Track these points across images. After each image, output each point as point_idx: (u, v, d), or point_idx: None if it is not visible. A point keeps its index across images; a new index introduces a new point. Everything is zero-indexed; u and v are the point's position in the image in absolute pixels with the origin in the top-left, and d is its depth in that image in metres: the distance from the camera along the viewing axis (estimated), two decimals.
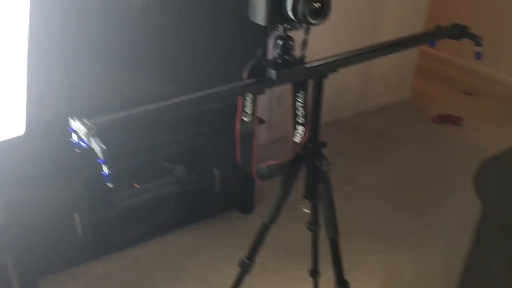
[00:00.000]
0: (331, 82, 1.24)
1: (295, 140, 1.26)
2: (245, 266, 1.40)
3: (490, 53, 3.96)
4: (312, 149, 1.27)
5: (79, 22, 1.71)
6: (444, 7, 3.97)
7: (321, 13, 1.01)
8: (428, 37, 1.36)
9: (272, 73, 1.09)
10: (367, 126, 3.43)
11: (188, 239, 2.31)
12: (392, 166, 2.97)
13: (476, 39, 1.35)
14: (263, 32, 1.07)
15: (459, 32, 1.34)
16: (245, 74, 1.11)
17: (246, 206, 2.47)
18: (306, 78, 1.18)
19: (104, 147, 0.87)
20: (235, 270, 1.56)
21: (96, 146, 0.88)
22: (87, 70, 1.81)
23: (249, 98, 1.15)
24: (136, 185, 2.12)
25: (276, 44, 1.09)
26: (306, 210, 1.42)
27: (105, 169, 0.89)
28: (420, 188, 2.77)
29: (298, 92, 1.22)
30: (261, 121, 2.22)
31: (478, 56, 1.38)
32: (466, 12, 4.04)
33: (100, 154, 0.88)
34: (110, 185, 0.90)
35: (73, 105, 1.81)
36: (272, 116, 3.02)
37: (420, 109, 3.68)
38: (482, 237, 1.85)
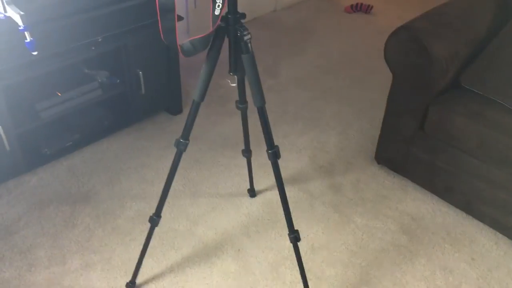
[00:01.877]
0: None
1: (215, 13, 1.28)
2: (181, 145, 1.45)
3: None
4: (232, 20, 1.30)
5: None
6: None
7: None
8: None
9: None
10: (284, 22, 3.48)
11: (120, 144, 2.33)
12: (311, 57, 3.08)
13: None
14: None
15: None
16: None
17: (174, 107, 2.50)
18: None
19: (22, 12, 0.86)
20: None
21: (14, 13, 0.86)
22: None
23: None
24: (58, 93, 2.07)
25: None
26: (233, 85, 1.47)
27: (28, 36, 0.88)
28: (339, 74, 2.92)
29: None
30: (179, 17, 2.19)
31: None
32: None
33: (19, 21, 0.86)
34: (34, 53, 0.90)
35: None
36: (190, 18, 2.98)
37: (333, 1, 3.77)
38: (394, 102, 2.04)
